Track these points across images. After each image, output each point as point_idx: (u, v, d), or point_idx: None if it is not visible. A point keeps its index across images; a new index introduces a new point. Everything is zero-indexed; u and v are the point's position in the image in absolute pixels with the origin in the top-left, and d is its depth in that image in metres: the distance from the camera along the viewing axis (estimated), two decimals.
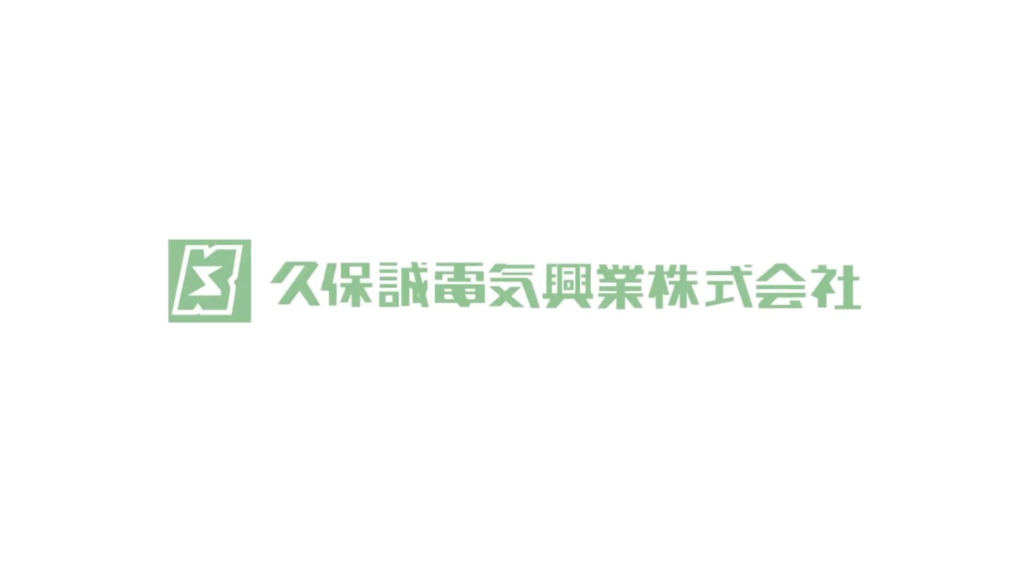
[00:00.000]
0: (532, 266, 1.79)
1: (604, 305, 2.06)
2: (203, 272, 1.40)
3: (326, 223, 1.43)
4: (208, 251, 1.40)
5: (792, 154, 1.49)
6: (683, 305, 1.88)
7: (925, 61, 1.41)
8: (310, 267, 1.52)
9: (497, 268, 1.90)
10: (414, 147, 1.42)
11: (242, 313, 1.47)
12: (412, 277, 1.66)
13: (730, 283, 1.85)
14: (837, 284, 1.86)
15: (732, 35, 1.41)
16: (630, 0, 1.40)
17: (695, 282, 1.85)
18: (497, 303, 1.95)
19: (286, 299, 1.45)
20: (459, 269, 1.86)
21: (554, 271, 2.01)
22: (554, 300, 2.01)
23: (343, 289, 1.68)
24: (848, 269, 1.89)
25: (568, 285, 2.04)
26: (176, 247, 1.44)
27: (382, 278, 1.60)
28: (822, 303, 1.99)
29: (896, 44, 1.42)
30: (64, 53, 1.35)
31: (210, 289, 1.40)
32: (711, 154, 1.46)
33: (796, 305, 2.02)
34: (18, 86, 1.34)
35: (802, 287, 1.94)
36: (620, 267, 1.82)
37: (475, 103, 1.43)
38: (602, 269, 1.80)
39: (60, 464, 1.35)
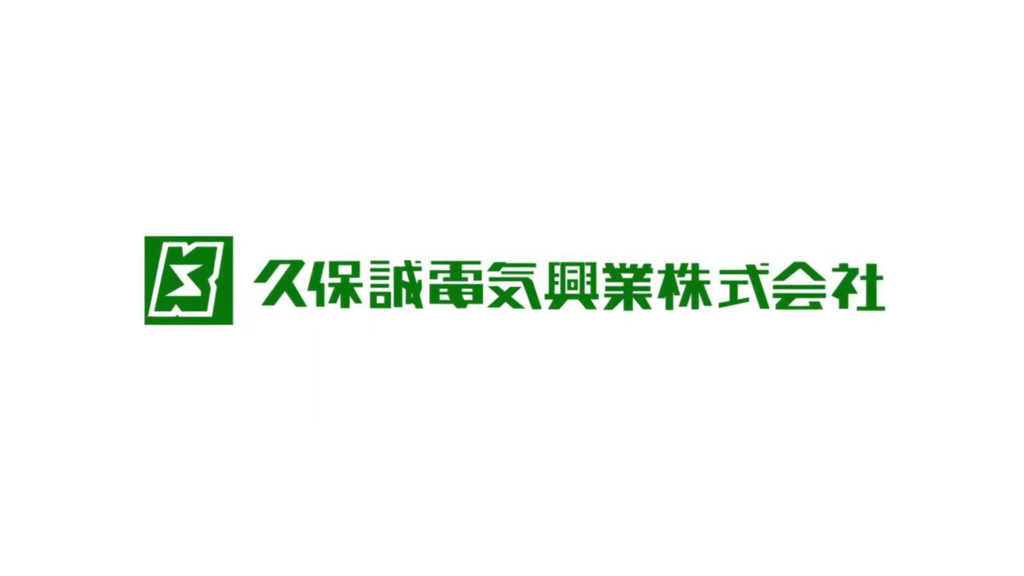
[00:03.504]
0: (533, 264, 1.75)
1: (611, 306, 2.03)
2: (181, 271, 1.37)
3: (313, 218, 1.40)
4: (187, 248, 1.38)
5: (811, 145, 1.47)
6: (695, 306, 1.83)
7: (953, 58, 1.38)
8: (296, 266, 1.48)
9: (496, 267, 1.85)
10: (408, 138, 1.39)
11: (223, 315, 1.44)
12: (405, 276, 1.61)
13: (745, 283, 1.79)
14: (859, 284, 1.78)
15: (746, 26, 1.39)
16: None
17: (707, 282, 1.80)
18: (496, 304, 1.91)
19: (270, 300, 1.42)
20: (455, 268, 1.81)
21: (557, 270, 1.96)
22: (557, 301, 1.98)
23: (331, 289, 1.64)
24: (871, 268, 1.81)
25: (572, 285, 1.99)
26: (153, 244, 1.42)
27: (373, 277, 1.57)
28: (843, 304, 1.91)
29: (924, 40, 1.40)
30: (40, 47, 1.33)
31: (189, 289, 1.37)
32: (724, 145, 1.43)
33: (816, 306, 1.94)
34: None
35: (822, 287, 1.86)
36: (627, 266, 1.77)
37: (472, 92, 1.39)
38: (608, 268, 1.77)
39: (29, 473, 1.32)
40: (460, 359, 1.43)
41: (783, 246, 1.49)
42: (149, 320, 1.37)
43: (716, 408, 1.45)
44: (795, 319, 1.54)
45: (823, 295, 1.85)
